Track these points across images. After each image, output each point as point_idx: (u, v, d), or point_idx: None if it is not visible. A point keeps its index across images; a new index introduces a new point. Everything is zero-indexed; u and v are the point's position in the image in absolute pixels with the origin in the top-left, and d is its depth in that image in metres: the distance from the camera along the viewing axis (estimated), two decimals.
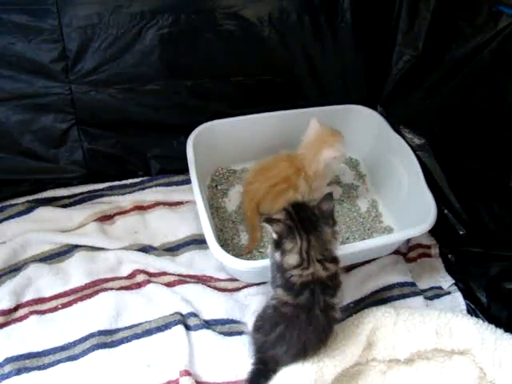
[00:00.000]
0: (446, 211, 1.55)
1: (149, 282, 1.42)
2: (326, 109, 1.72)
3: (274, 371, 1.17)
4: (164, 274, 1.46)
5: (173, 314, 1.34)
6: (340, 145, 1.54)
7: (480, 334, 1.26)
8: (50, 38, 1.37)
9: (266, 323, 1.18)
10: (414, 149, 1.60)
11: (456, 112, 1.49)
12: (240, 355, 1.28)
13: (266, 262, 1.25)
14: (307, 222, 1.15)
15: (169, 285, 1.42)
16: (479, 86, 1.40)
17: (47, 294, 1.39)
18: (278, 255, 1.15)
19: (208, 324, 1.34)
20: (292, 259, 1.13)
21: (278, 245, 1.15)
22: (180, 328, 1.30)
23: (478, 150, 1.44)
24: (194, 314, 1.34)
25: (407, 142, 1.61)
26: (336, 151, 1.52)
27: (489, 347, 1.24)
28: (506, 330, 1.28)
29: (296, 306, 1.13)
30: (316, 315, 1.13)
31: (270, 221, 1.15)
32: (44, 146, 1.57)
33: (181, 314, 1.34)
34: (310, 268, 1.13)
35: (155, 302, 1.38)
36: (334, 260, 1.18)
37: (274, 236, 1.15)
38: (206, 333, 1.30)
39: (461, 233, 1.53)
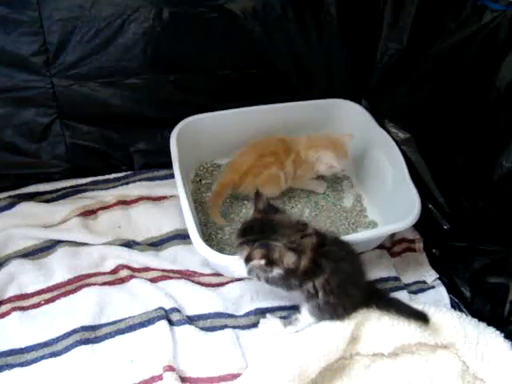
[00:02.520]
0: (430, 206, 1.56)
1: (132, 277, 1.41)
2: (311, 103, 1.72)
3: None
4: (147, 269, 1.45)
5: (156, 310, 1.33)
6: (341, 162, 1.58)
7: (463, 327, 1.26)
8: (29, 31, 1.34)
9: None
10: (399, 143, 1.60)
11: (441, 106, 1.50)
12: (222, 351, 1.27)
13: None
14: (264, 229, 1.18)
15: (152, 280, 1.41)
16: (464, 81, 1.40)
17: (30, 290, 1.37)
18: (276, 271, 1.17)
19: (190, 319, 1.33)
20: (289, 259, 1.15)
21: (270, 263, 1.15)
22: (163, 323, 1.29)
23: (463, 144, 1.44)
24: (177, 310, 1.33)
25: (392, 137, 1.62)
26: (334, 162, 1.56)
27: (472, 341, 1.25)
28: (488, 324, 1.29)
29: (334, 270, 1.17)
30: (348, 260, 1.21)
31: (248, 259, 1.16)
32: (26, 140, 1.55)
33: (164, 310, 1.33)
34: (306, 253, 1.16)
35: (139, 298, 1.37)
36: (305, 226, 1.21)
37: (262, 262, 1.14)
38: (188, 328, 1.30)
39: (445, 227, 1.54)
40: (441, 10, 1.43)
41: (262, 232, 1.18)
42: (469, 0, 1.32)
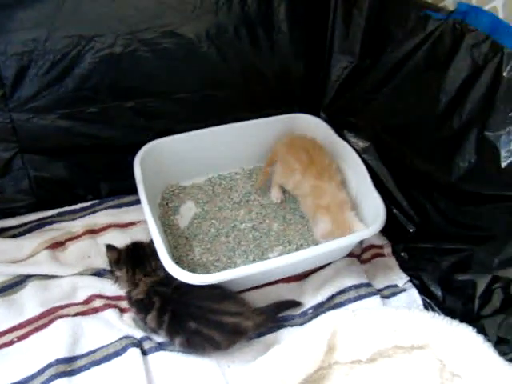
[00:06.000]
0: (394, 210, 1.58)
1: (106, 306, 1.39)
2: (271, 119, 1.74)
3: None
4: (120, 297, 1.43)
5: (128, 337, 1.32)
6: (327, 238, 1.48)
7: (437, 326, 1.28)
8: None
9: None
10: (360, 152, 1.63)
11: (396, 113, 1.53)
12: (201, 371, 1.27)
13: (221, 276, 1.26)
14: (137, 257, 1.35)
15: (124, 310, 1.41)
16: (416, 87, 1.44)
17: (1, 328, 1.34)
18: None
19: (161, 345, 1.33)
20: (123, 286, 1.36)
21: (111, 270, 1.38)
22: (136, 351, 1.28)
23: (421, 148, 1.47)
24: (148, 338, 1.33)
25: (352, 146, 1.64)
26: (318, 235, 1.52)
27: (446, 339, 1.26)
28: (461, 321, 1.29)
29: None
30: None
31: (108, 247, 1.37)
32: None
33: (135, 338, 1.33)
34: (140, 284, 1.33)
35: (112, 327, 1.35)
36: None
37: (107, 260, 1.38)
38: (162, 354, 1.29)
39: (411, 230, 1.56)
40: (388, 21, 1.47)
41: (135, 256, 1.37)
42: (413, 10, 1.37)
